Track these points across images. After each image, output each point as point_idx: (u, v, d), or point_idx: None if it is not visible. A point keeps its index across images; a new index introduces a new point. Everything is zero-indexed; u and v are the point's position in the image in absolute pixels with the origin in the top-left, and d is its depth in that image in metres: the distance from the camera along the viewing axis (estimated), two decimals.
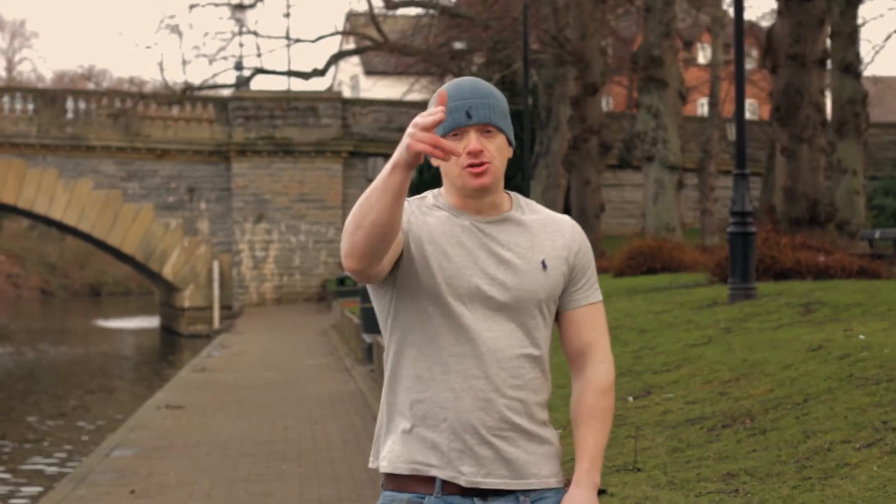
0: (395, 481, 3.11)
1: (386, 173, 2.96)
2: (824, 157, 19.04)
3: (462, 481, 3.06)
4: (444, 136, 3.13)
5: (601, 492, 4.85)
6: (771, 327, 10.56)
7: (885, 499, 4.73)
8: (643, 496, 5.43)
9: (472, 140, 3.11)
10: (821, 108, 18.27)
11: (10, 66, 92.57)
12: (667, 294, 16.14)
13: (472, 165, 3.12)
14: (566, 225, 3.25)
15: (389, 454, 3.13)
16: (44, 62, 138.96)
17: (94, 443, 16.84)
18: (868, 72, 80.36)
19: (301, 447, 12.37)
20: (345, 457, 11.63)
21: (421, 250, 3.12)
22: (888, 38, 34.06)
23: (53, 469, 15.94)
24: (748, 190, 14.23)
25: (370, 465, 3.21)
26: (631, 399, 8.15)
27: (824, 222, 18.31)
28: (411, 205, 3.19)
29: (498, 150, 3.14)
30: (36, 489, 14.26)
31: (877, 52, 37.63)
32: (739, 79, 14.35)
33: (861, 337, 8.47)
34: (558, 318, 3.24)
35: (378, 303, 3.21)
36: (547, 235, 3.20)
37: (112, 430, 16.06)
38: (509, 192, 3.28)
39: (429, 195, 3.25)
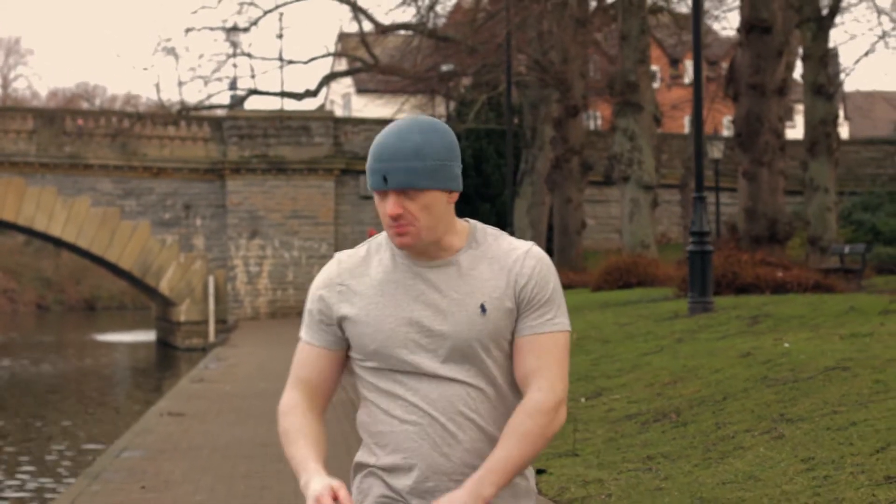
0: None
1: (293, 469, 3.17)
2: (783, 179, 20.25)
3: None
4: (374, 192, 3.15)
5: (540, 471, 5.86)
6: (717, 337, 11.75)
7: (761, 471, 5.93)
8: (576, 474, 6.58)
9: (390, 204, 3.08)
10: (779, 134, 19.48)
11: (5, 83, 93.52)
12: (635, 307, 17.30)
13: (392, 226, 3.11)
14: (518, 258, 3.17)
15: None
16: (39, 79, 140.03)
17: (100, 448, 17.97)
18: (853, 86, 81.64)
19: None
20: (335, 455, 12.65)
21: (355, 326, 3.16)
22: (857, 61, 35.35)
23: (65, 467, 17.11)
24: (706, 212, 15.41)
25: None
26: (583, 400, 9.35)
27: (783, 240, 19.50)
28: (332, 287, 3.21)
29: (424, 209, 3.09)
30: (49, 487, 15.40)
31: (847, 75, 38.77)
32: (697, 108, 15.53)
33: (786, 345, 9.66)
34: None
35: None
36: (491, 275, 3.16)
37: (118, 435, 17.15)
38: (469, 221, 3.24)
39: (382, 237, 3.26)
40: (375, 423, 3.16)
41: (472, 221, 3.23)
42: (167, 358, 41.73)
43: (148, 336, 53.24)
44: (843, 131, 79.42)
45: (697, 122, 15.43)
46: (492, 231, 3.23)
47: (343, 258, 3.24)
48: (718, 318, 13.51)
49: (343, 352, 3.22)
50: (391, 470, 3.15)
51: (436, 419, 3.10)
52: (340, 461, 11.70)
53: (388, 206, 3.10)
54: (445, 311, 3.12)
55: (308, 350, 3.23)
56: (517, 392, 3.18)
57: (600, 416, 8.55)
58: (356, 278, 3.19)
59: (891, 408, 6.71)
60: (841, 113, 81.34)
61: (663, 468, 6.53)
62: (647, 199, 25.50)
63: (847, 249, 30.67)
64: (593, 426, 8.20)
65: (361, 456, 3.25)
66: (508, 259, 3.17)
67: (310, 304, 3.25)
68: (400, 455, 3.13)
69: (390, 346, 3.11)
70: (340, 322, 3.18)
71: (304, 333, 3.25)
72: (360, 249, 3.25)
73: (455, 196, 3.17)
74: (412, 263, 3.16)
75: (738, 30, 20.21)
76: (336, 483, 3.01)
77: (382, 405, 3.15)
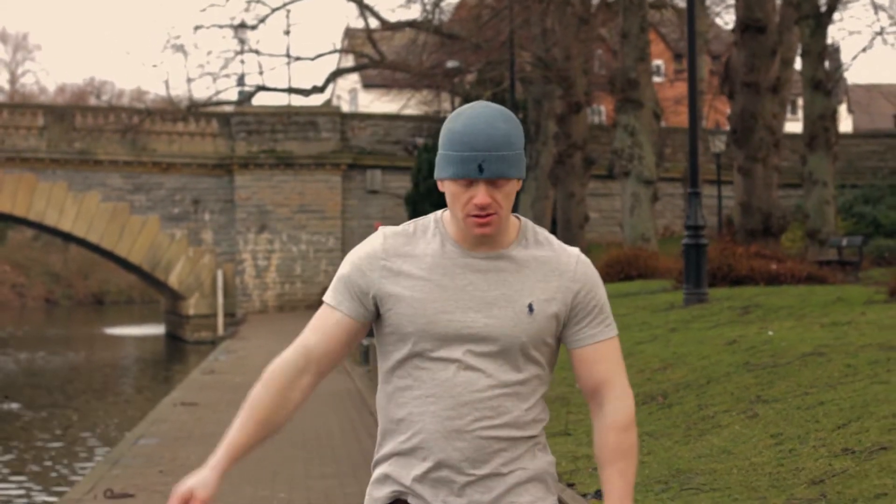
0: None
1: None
2: (777, 174, 20.79)
3: None
4: (448, 179, 3.09)
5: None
6: (709, 326, 12.32)
7: (734, 445, 6.50)
8: (567, 451, 7.15)
9: (480, 194, 3.03)
10: (773, 131, 20.02)
11: (13, 79, 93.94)
12: (633, 299, 17.86)
13: (476, 216, 3.05)
14: (569, 264, 3.15)
15: None
16: (46, 75, 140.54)
17: (119, 435, 18.58)
18: (857, 80, 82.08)
19: (305, 436, 13.89)
20: (343, 444, 13.24)
21: (394, 306, 3.12)
22: (855, 57, 35.84)
23: (84, 456, 17.74)
24: (701, 206, 15.96)
25: None
26: (578, 384, 9.91)
27: (777, 233, 20.04)
28: (374, 261, 3.16)
29: (506, 197, 3.07)
30: (67, 475, 16.02)
31: (846, 69, 39.24)
32: (692, 106, 16.08)
33: (770, 333, 10.22)
34: (569, 354, 3.19)
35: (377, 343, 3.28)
36: (542, 276, 3.12)
37: (134, 425, 17.75)
38: (519, 217, 3.22)
39: (430, 220, 3.21)
40: (397, 408, 3.14)
41: (522, 218, 3.22)
42: (176, 351, 42.27)
43: (157, 330, 53.73)
44: (847, 124, 79.80)
45: (692, 119, 15.97)
46: (541, 231, 3.21)
47: (389, 234, 3.18)
48: (711, 309, 14.07)
49: (363, 326, 3.17)
50: (406, 454, 3.13)
51: (457, 410, 3.06)
52: (349, 449, 12.27)
53: (477, 196, 3.02)
54: (492, 305, 3.08)
55: (329, 314, 3.17)
56: (541, 395, 3.17)
57: None
58: (401, 258, 3.14)
59: (857, 389, 7.28)
60: (844, 106, 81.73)
61: (647, 445, 7.12)
62: (648, 193, 26.07)
63: (845, 242, 31.14)
64: (586, 409, 8.77)
65: (378, 449, 3.22)
66: (560, 263, 3.14)
67: (345, 270, 3.18)
68: (416, 441, 3.10)
69: (429, 331, 3.07)
70: (379, 299, 3.12)
71: (329, 297, 3.19)
72: (408, 227, 3.19)
73: (520, 184, 3.15)
74: (463, 252, 3.12)
75: (734, 29, 20.74)
76: (200, 489, 3.05)
77: (405, 391, 3.12)
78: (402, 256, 3.13)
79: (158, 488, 10.60)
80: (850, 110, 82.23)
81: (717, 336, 11.00)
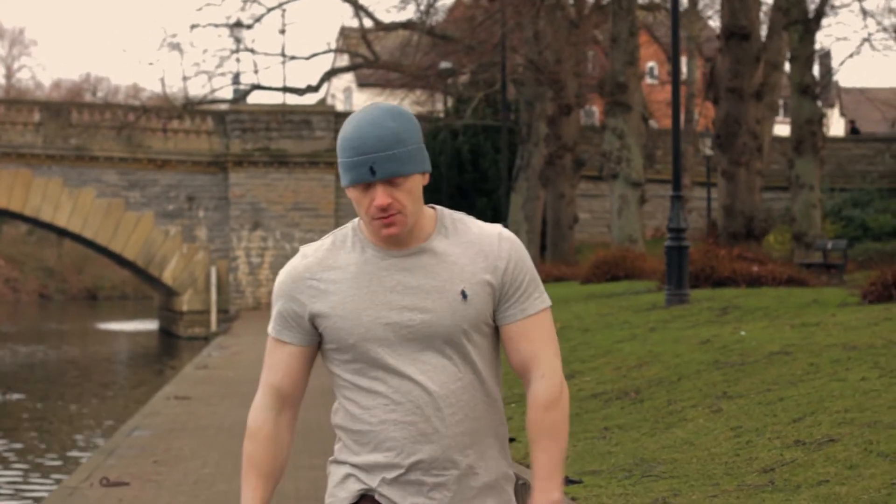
0: None
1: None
2: (759, 178, 21.23)
3: None
4: (348, 187, 3.08)
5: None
6: (687, 326, 12.75)
7: (696, 437, 6.94)
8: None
9: (379, 195, 3.03)
10: (756, 136, 20.46)
11: (9, 74, 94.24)
12: (617, 299, 18.28)
13: (381, 217, 3.04)
14: (492, 243, 3.13)
15: None
16: (42, 70, 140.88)
17: (113, 427, 19.00)
18: (849, 83, 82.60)
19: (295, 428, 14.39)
20: (330, 437, 13.64)
21: (329, 322, 3.11)
22: (842, 62, 36.31)
23: (81, 446, 18.16)
24: (683, 209, 16.39)
25: None
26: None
27: (759, 236, 20.49)
28: (300, 283, 3.14)
29: (409, 194, 3.05)
30: (65, 464, 16.43)
31: (832, 75, 39.75)
32: (675, 111, 16.48)
33: (742, 333, 10.65)
34: (500, 334, 3.15)
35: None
36: (468, 260, 3.11)
37: (128, 417, 18.15)
38: (435, 207, 3.20)
39: (347, 229, 3.20)
40: (355, 421, 3.12)
41: (438, 207, 3.20)
42: (170, 346, 42.62)
43: (150, 325, 54.08)
44: (839, 128, 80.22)
45: (675, 126, 16.40)
46: (458, 215, 3.20)
47: (308, 252, 3.18)
48: (691, 310, 14.49)
49: (314, 347, 3.18)
50: (370, 469, 3.11)
51: (419, 412, 3.05)
52: (322, 449, 12.69)
53: (376, 198, 3.02)
54: (425, 299, 3.07)
55: (279, 349, 3.18)
56: (497, 377, 3.16)
57: (570, 395, 9.57)
58: (326, 271, 3.14)
59: (816, 386, 7.70)
60: (836, 110, 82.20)
61: (616, 437, 7.55)
62: (635, 195, 26.50)
63: (830, 245, 31.59)
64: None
65: (340, 454, 3.21)
66: (483, 243, 3.12)
67: (278, 302, 3.19)
68: (381, 454, 3.09)
69: (370, 339, 3.06)
70: (313, 318, 3.12)
71: (272, 330, 3.20)
72: (325, 241, 3.19)
73: (427, 177, 3.14)
74: (385, 254, 3.11)
75: (718, 36, 21.17)
76: None
77: (362, 402, 3.10)
78: (326, 270, 3.13)
79: (153, 477, 10.97)
80: (842, 114, 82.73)
81: (692, 335, 11.43)
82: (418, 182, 3.08)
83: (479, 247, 3.12)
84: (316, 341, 3.17)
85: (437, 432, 3.06)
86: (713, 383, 8.57)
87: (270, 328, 3.21)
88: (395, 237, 3.08)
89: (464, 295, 3.08)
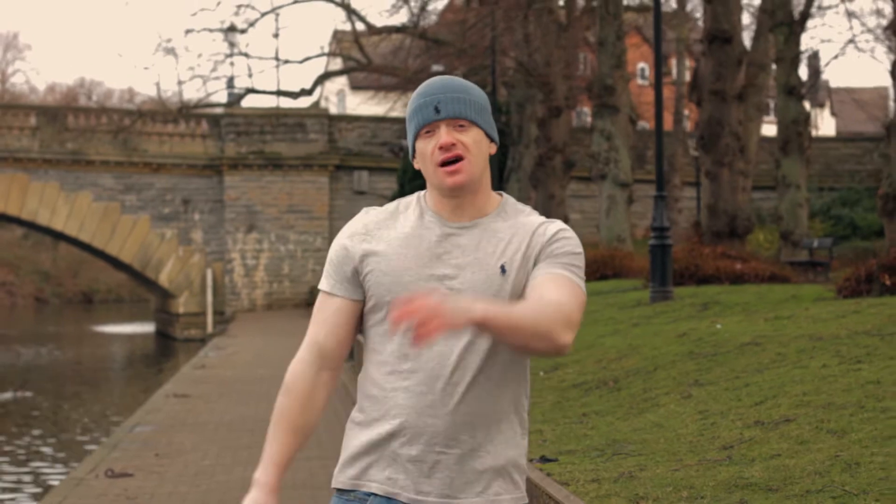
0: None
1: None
2: (743, 178, 21.77)
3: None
4: (415, 134, 3.09)
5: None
6: (668, 321, 13.27)
7: (666, 420, 7.46)
8: None
9: (442, 133, 3.03)
10: (739, 137, 21.00)
11: (3, 78, 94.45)
12: (605, 297, 18.79)
13: (445, 163, 3.03)
14: (544, 226, 3.12)
15: None
16: (37, 74, 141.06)
17: (115, 424, 19.52)
18: (839, 83, 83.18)
19: None
20: (328, 430, 14.11)
21: (372, 275, 3.10)
22: (827, 63, 36.85)
23: (85, 441, 18.69)
24: (666, 209, 16.90)
25: None
26: (542, 373, 10.88)
27: (742, 235, 21.02)
28: (356, 237, 3.14)
29: (474, 143, 3.05)
30: (71, 457, 16.95)
31: (818, 76, 40.28)
32: (658, 111, 17.00)
33: (718, 326, 11.18)
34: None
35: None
36: (515, 239, 3.09)
37: (131, 414, 18.65)
38: (502, 193, 3.20)
39: (413, 197, 3.19)
40: (371, 385, 3.11)
41: (506, 195, 3.21)
42: (167, 348, 42.99)
43: (146, 327, 54.40)
44: (830, 127, 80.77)
45: (658, 128, 16.91)
46: (522, 206, 3.20)
47: (371, 211, 3.20)
48: (674, 306, 15.02)
49: (360, 306, 3.16)
50: (371, 449, 3.10)
51: (430, 383, 3.03)
52: (332, 436, 13.16)
53: (440, 136, 3.04)
54: (465, 269, 3.05)
55: (328, 303, 3.17)
56: (523, 364, 3.12)
57: (553, 386, 10.09)
58: (382, 230, 3.14)
59: (780, 373, 8.22)
60: (826, 110, 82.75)
61: (592, 421, 8.07)
62: (623, 195, 27.03)
63: (816, 243, 32.15)
64: (545, 393, 9.74)
65: (355, 416, 3.19)
66: (535, 226, 3.12)
67: (333, 253, 3.20)
68: (388, 421, 3.07)
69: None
70: (360, 267, 3.12)
71: (324, 284, 3.21)
72: (391, 206, 3.21)
73: (494, 150, 3.14)
74: (441, 222, 3.10)
75: (701, 40, 21.74)
76: None
77: (381, 367, 3.09)
78: (382, 229, 3.13)
79: (155, 469, 11.45)
80: (832, 113, 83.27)
81: (671, 329, 11.96)
82: (484, 141, 3.09)
83: (530, 229, 3.12)
84: (362, 299, 3.15)
85: (446, 407, 3.02)
86: (686, 372, 9.10)
87: (323, 282, 3.21)
88: (460, 186, 3.05)
89: (503, 269, 3.06)
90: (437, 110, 3.03)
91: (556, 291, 2.99)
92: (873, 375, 7.51)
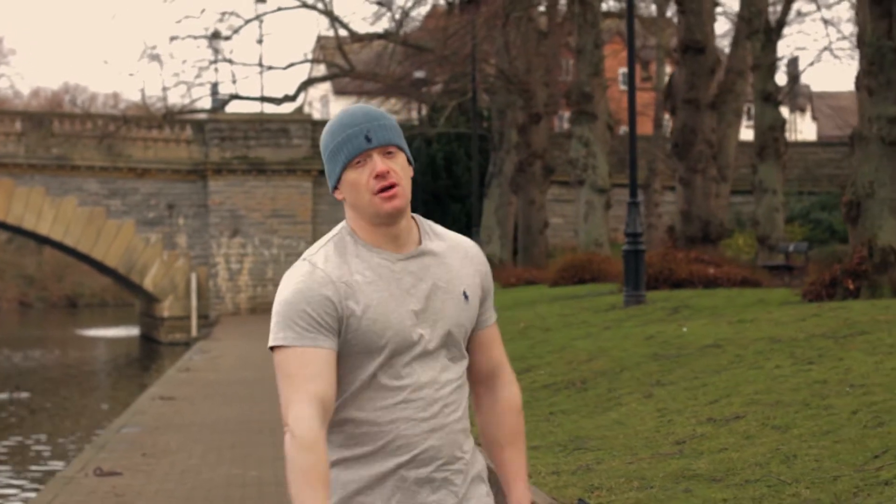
0: None
1: None
2: (715, 185, 22.27)
3: None
4: (345, 164, 3.07)
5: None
6: (639, 325, 13.73)
7: (627, 418, 7.92)
8: None
9: (378, 162, 3.03)
10: (712, 144, 21.50)
11: None
12: (581, 301, 19.25)
13: (382, 190, 3.03)
14: (471, 250, 3.21)
15: None
16: (21, 79, 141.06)
17: (103, 426, 19.90)
18: (816, 88, 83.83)
19: (274, 425, 15.00)
20: None
21: (360, 323, 3.08)
22: (803, 70, 37.42)
23: (72, 441, 19.10)
24: (639, 215, 17.36)
25: None
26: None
27: (715, 240, 21.52)
28: (328, 285, 3.07)
29: (402, 169, 3.07)
30: (59, 457, 17.34)
31: (797, 82, 40.83)
32: (632, 123, 17.45)
33: (684, 329, 11.65)
34: (470, 339, 3.21)
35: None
36: (460, 264, 3.17)
37: (117, 416, 19.02)
38: (414, 216, 3.20)
39: (340, 235, 3.14)
40: (356, 425, 3.12)
41: (414, 214, 3.21)
42: (151, 352, 43.23)
43: (131, 331, 54.59)
44: (811, 131, 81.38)
45: (632, 136, 17.38)
46: (429, 221, 3.24)
47: (318, 261, 3.11)
48: (646, 310, 15.48)
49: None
50: (373, 483, 3.11)
51: (429, 409, 3.09)
52: None
53: (376, 166, 3.04)
54: (437, 299, 3.10)
55: (316, 357, 3.05)
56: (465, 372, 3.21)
57: (524, 387, 10.53)
58: (349, 276, 3.09)
59: (736, 374, 8.69)
60: (808, 114, 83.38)
61: (559, 419, 8.53)
62: (601, 201, 27.51)
63: (792, 248, 32.61)
64: None
65: (341, 453, 3.16)
66: (465, 248, 3.20)
67: (306, 307, 3.06)
68: (391, 453, 3.10)
69: (401, 340, 3.07)
70: (346, 317, 3.06)
71: (304, 339, 3.06)
72: (327, 249, 3.13)
73: (411, 172, 3.16)
74: (391, 256, 3.10)
75: (675, 50, 22.23)
76: None
77: (377, 402, 3.10)
78: (347, 275, 3.08)
79: (142, 468, 11.81)
80: (813, 118, 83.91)
81: (640, 332, 12.43)
82: (406, 166, 3.12)
83: (463, 251, 3.20)
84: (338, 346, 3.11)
85: (445, 427, 3.11)
86: (650, 373, 9.56)
87: (293, 339, 3.06)
88: (397, 211, 3.07)
89: (465, 296, 3.16)
90: (367, 139, 3.05)
91: (499, 350, 3.29)
92: (821, 375, 7.99)
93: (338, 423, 3.12)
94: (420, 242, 3.16)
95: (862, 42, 14.76)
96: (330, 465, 3.07)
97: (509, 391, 3.30)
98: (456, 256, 3.18)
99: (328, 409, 3.05)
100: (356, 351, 3.09)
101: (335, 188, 3.14)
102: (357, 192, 3.06)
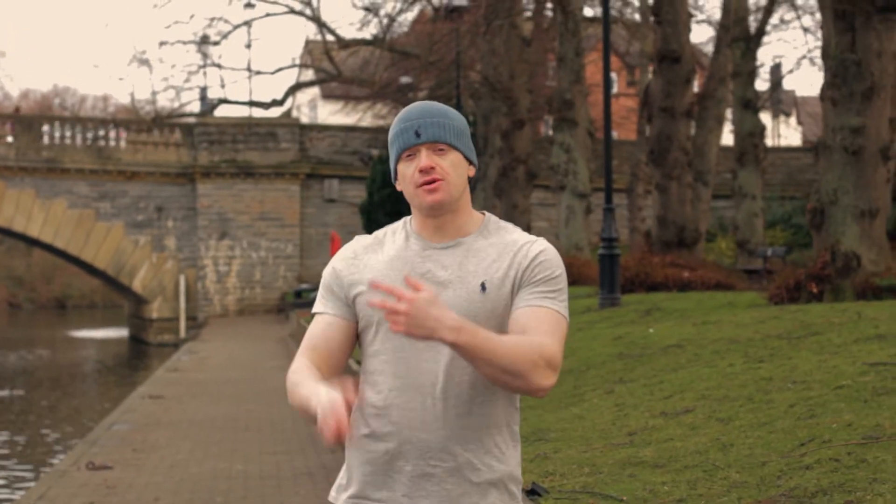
0: None
1: (300, 406, 3.06)
2: (690, 191, 22.85)
3: None
4: (397, 157, 3.17)
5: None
6: (610, 326, 14.28)
7: (587, 413, 8.49)
8: None
9: (423, 157, 3.12)
10: (687, 152, 22.08)
11: None
12: None
13: (425, 183, 3.11)
14: (525, 244, 3.16)
15: None
16: (10, 81, 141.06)
17: (94, 423, 20.39)
18: (800, 92, 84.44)
19: (260, 423, 15.45)
20: (294, 429, 14.95)
21: (363, 299, 3.16)
22: (783, 77, 38.01)
23: (65, 437, 19.58)
24: (614, 220, 17.91)
25: None
26: None
27: (690, 245, 22.09)
28: (346, 261, 3.23)
29: (453, 167, 3.14)
30: (52, 452, 17.83)
31: (779, 88, 41.42)
32: (607, 131, 17.98)
33: (651, 331, 12.20)
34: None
35: None
36: (496, 256, 3.15)
37: (107, 414, 19.50)
38: (485, 213, 3.27)
39: (400, 222, 3.29)
40: (369, 404, 3.14)
41: (489, 214, 3.28)
42: (140, 353, 43.53)
43: (120, 332, 54.89)
44: (796, 136, 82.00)
45: (607, 143, 17.93)
46: (505, 224, 3.26)
47: (360, 237, 3.30)
48: (619, 312, 16.02)
49: (353, 325, 3.21)
50: (376, 457, 3.13)
51: (421, 399, 3.08)
52: (298, 433, 14.00)
53: (420, 160, 3.13)
54: (446, 287, 3.10)
55: (319, 320, 3.25)
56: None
57: None
58: (369, 254, 3.23)
59: (692, 372, 9.25)
60: (793, 119, 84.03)
61: (525, 414, 9.06)
62: (582, 206, 28.08)
63: (770, 252, 33.23)
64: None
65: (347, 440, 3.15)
66: (516, 244, 3.16)
67: (324, 277, 3.26)
68: (384, 438, 3.11)
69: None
70: (351, 291, 3.20)
71: (316, 307, 3.28)
72: (379, 232, 3.30)
73: (472, 172, 3.22)
74: (425, 244, 3.18)
75: (651, 59, 22.80)
76: (341, 395, 2.96)
77: (374, 385, 3.13)
78: (369, 253, 3.21)
79: (133, 462, 12.28)
80: (799, 122, 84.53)
81: (610, 333, 12.98)
82: (463, 164, 3.18)
83: (512, 248, 3.17)
84: (355, 320, 3.22)
85: (437, 420, 3.06)
86: (614, 371, 10.12)
87: (315, 307, 3.29)
88: (440, 205, 3.14)
89: (483, 287, 3.11)
90: (417, 135, 3.13)
91: (539, 328, 3.03)
92: (769, 373, 8.54)
93: (360, 402, 3.16)
94: (466, 236, 3.20)
95: (826, 55, 15.33)
96: (348, 438, 3.15)
97: (537, 339, 3.02)
98: (496, 251, 3.17)
99: (322, 360, 3.17)
100: (362, 326, 3.20)
101: (395, 178, 3.26)
102: (405, 183, 3.18)
